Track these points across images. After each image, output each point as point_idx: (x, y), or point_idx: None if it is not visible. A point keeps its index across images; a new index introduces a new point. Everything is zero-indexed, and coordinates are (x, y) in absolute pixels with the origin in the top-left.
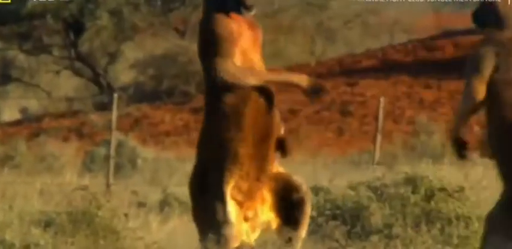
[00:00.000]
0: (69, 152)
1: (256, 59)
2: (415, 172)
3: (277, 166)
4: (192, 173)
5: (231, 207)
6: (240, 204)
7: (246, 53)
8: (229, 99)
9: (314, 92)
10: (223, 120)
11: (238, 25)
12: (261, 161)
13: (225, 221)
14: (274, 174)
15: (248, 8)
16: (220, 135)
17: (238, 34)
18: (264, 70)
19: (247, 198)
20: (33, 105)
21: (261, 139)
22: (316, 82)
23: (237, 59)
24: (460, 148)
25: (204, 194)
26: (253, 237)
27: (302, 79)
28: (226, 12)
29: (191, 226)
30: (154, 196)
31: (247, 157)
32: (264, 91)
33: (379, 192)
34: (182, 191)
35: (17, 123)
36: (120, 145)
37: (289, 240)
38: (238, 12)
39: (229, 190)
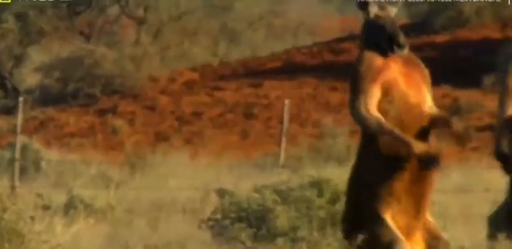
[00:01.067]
0: None
1: (418, 100)
2: (320, 176)
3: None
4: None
5: (395, 228)
6: None
7: (405, 94)
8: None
9: (427, 162)
10: (379, 155)
11: (391, 65)
12: (418, 198)
13: (396, 238)
14: (427, 222)
15: (401, 47)
16: (376, 170)
17: (385, 72)
18: (386, 124)
19: (404, 234)
20: None
21: (418, 177)
22: (430, 152)
23: (374, 96)
24: (505, 163)
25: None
26: None
27: (418, 146)
28: (381, 51)
29: (96, 229)
30: (59, 199)
31: (404, 192)
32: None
33: (284, 195)
34: (87, 193)
35: None
36: (24, 147)
37: None
38: (391, 50)
39: (388, 218)
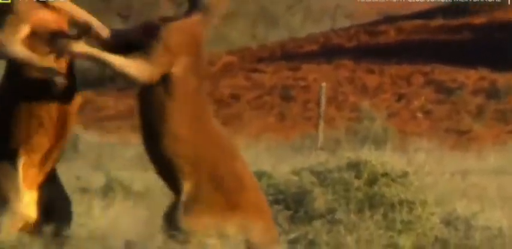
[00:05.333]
0: None
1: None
2: (358, 157)
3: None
4: None
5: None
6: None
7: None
8: None
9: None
10: None
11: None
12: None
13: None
14: None
15: None
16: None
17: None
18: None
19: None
20: None
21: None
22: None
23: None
24: None
25: None
26: None
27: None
28: None
29: (135, 211)
30: (97, 181)
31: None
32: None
33: (322, 177)
34: (125, 175)
35: None
36: None
37: None
38: None
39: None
